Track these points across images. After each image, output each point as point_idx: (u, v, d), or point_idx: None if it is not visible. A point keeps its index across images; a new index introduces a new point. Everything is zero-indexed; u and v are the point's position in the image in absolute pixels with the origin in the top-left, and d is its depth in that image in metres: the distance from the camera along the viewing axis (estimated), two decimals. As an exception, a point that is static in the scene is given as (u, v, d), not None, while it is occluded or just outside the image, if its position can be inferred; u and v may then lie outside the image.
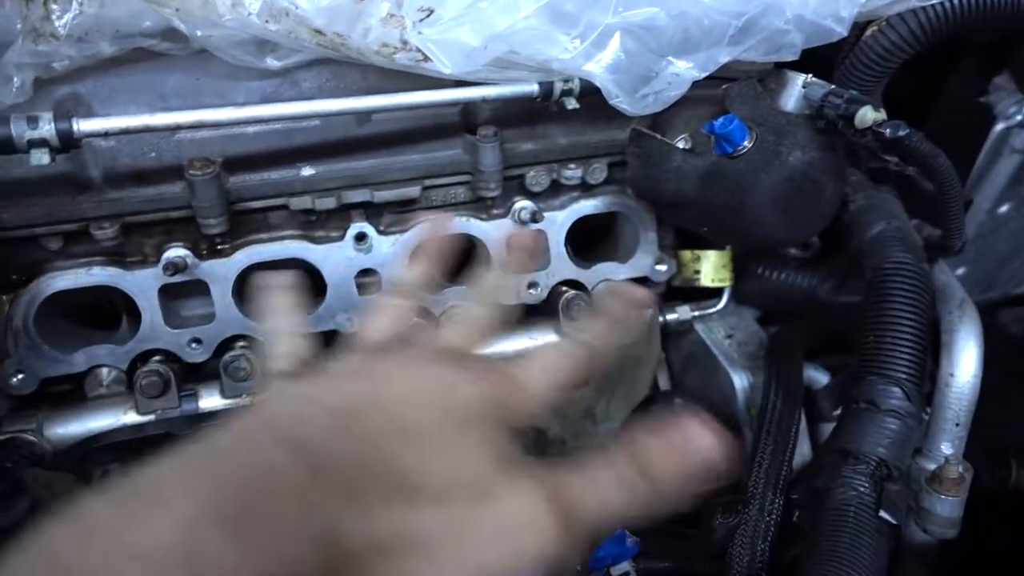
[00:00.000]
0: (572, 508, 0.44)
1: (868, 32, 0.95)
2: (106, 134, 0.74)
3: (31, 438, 0.91)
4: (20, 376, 0.92)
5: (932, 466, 0.89)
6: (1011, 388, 1.16)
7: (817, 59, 0.96)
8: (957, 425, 0.90)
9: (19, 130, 0.70)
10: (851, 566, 0.76)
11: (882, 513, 0.83)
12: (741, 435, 1.15)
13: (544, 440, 1.04)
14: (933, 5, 0.89)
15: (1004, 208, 1.17)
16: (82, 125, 0.72)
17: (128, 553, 0.32)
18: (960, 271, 1.28)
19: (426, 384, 0.47)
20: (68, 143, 0.72)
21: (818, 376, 1.23)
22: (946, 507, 0.86)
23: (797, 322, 1.22)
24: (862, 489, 0.83)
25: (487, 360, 0.51)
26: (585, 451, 1.12)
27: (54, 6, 0.73)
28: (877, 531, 0.81)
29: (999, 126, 1.02)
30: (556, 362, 0.52)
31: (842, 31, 0.89)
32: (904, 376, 0.88)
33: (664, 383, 1.30)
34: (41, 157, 0.71)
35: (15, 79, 0.75)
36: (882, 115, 0.81)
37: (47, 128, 0.70)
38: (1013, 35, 0.97)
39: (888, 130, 0.79)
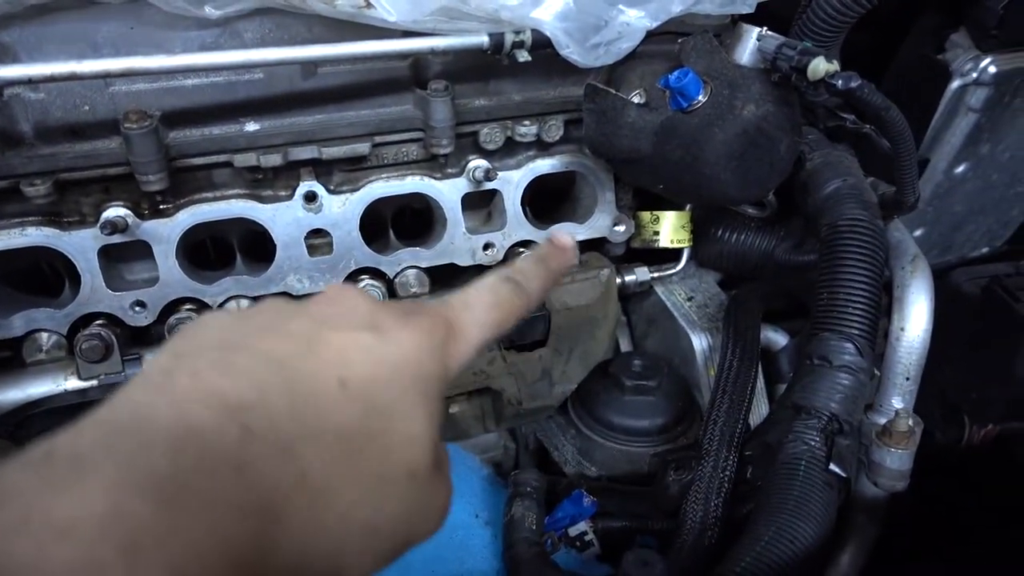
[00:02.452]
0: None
1: (825, -14, 0.93)
2: (30, 81, 0.71)
3: (-34, 405, 0.88)
4: (-46, 342, 0.89)
5: (883, 420, 0.89)
6: (964, 347, 1.17)
7: (774, 16, 0.95)
8: (907, 379, 0.90)
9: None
10: (800, 517, 0.76)
11: (833, 467, 0.83)
12: (700, 396, 1.15)
13: (500, 401, 1.03)
14: (889, -43, 0.89)
15: (960, 168, 1.17)
16: (3, 71, 0.69)
17: (52, 525, 0.28)
18: (918, 232, 1.29)
19: (361, 331, 0.42)
20: (-11, 91, 0.69)
21: (777, 338, 1.24)
22: (895, 460, 0.87)
23: (756, 284, 1.23)
24: (813, 443, 0.83)
25: (421, 304, 0.48)
26: (542, 412, 1.11)
27: (-30, -55, 0.69)
28: (827, 484, 0.81)
29: (955, 83, 1.02)
30: (486, 301, 0.49)
31: (798, -19, 0.88)
32: (856, 332, 0.88)
33: (625, 345, 1.30)
34: (-42, 104, 0.67)
35: (-68, 24, 0.71)
36: (835, 66, 0.79)
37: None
38: (969, -9, 0.96)
39: (840, 81, 0.78)
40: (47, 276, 1.00)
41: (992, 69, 1.01)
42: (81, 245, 0.89)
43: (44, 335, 0.93)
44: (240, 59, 0.79)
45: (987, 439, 1.15)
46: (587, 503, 1.00)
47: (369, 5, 0.76)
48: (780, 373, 1.20)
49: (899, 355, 0.90)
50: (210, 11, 0.81)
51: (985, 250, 1.42)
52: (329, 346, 0.40)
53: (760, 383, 1.15)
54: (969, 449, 1.19)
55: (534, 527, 0.93)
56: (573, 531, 1.00)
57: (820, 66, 0.79)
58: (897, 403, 0.90)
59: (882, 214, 0.98)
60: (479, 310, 0.48)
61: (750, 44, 0.89)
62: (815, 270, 0.97)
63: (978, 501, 1.15)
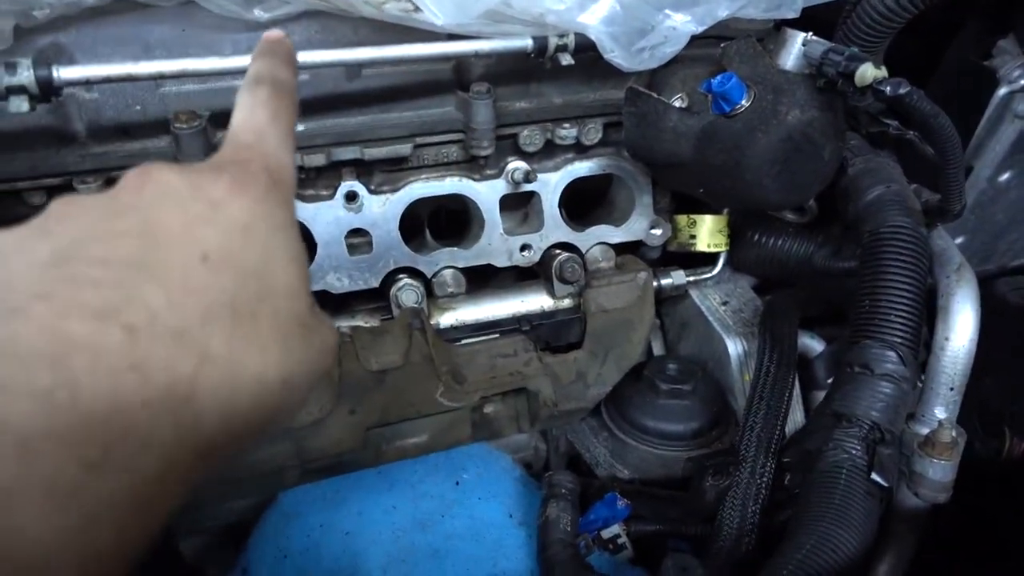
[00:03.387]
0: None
1: (870, -8, 0.92)
2: (87, 82, 0.72)
3: None
4: (6, 334, 0.91)
5: (925, 430, 0.88)
6: (1006, 357, 1.15)
7: (817, 21, 0.94)
8: (951, 390, 0.89)
9: (-2, 76, 0.68)
10: (841, 526, 0.76)
11: (874, 476, 0.82)
12: (734, 400, 1.15)
13: (536, 402, 1.03)
14: (938, -37, 0.87)
15: (1005, 176, 1.15)
16: (63, 72, 0.70)
17: None
18: (959, 240, 1.27)
19: (193, 205, 0.40)
20: (48, 91, 0.70)
21: (813, 344, 1.23)
22: (938, 471, 0.86)
23: (793, 290, 1.22)
24: (854, 452, 0.83)
25: (223, 158, 0.44)
26: (576, 414, 1.11)
27: (33, -51, 0.71)
28: (868, 493, 0.81)
29: (1002, 90, 1.00)
30: (267, 117, 0.47)
31: (844, -12, 0.87)
32: (899, 340, 0.87)
33: (658, 348, 1.29)
34: (20, 104, 0.69)
35: (-6, 26, 0.73)
36: (883, 72, 0.79)
37: (26, 75, 0.68)
38: (1018, -4, 0.95)
39: (889, 88, 0.77)
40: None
41: (1041, 75, 0.99)
42: (129, 242, 0.91)
43: (92, 329, 0.95)
44: (288, 61, 0.80)
45: (1028, 451, 1.13)
46: (620, 506, 1.00)
47: (416, 8, 0.76)
48: (816, 380, 1.19)
49: (943, 365, 0.89)
50: (259, 14, 0.82)
51: (1025, 260, 1.39)
52: (171, 231, 0.38)
53: (796, 390, 1.15)
54: (1009, 461, 1.17)
55: (569, 529, 0.93)
56: (606, 533, 1.00)
57: (868, 72, 0.79)
58: (940, 413, 0.89)
59: (925, 222, 0.96)
60: (269, 131, 0.47)
61: (795, 49, 0.89)
62: (854, 277, 0.96)
63: (1018, 514, 1.13)
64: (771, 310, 1.14)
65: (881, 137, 1.08)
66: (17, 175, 0.83)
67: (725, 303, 1.23)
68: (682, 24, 0.79)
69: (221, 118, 0.87)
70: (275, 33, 0.56)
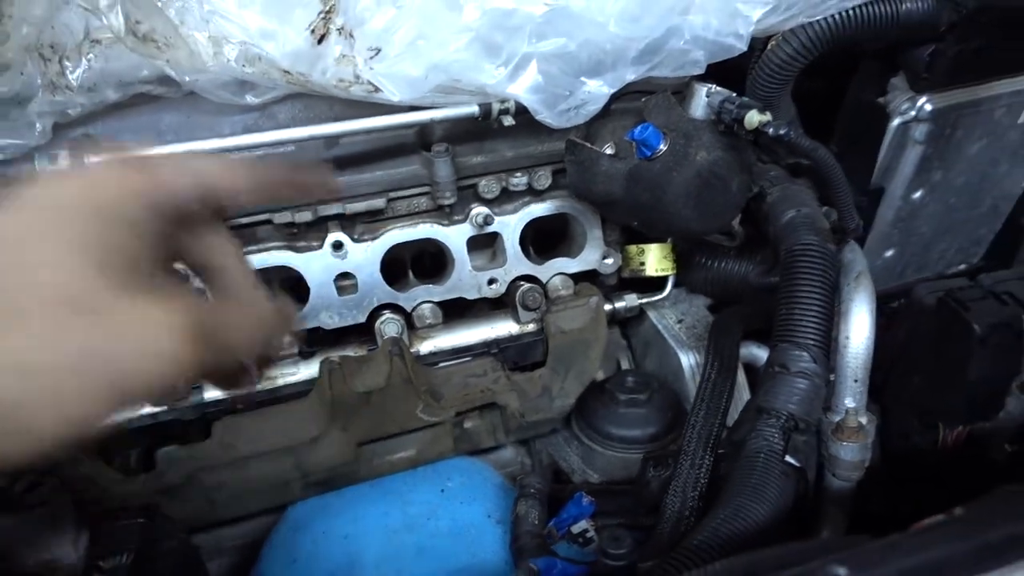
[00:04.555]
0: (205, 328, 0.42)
1: (769, 46, 1.09)
2: (114, 166, 0.90)
3: (61, 429, 1.06)
4: (50, 377, 1.07)
5: (837, 418, 1.01)
6: (928, 355, 1.28)
7: (735, 70, 1.10)
8: (856, 381, 1.02)
9: (41, 166, 0.86)
10: (755, 500, 0.88)
11: (789, 459, 0.95)
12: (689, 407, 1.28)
13: (504, 414, 1.17)
14: (819, 21, 1.03)
15: (918, 194, 1.29)
16: (90, 159, 0.88)
17: None
18: (889, 253, 1.41)
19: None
20: (83, 175, 0.88)
21: (761, 354, 1.36)
22: (848, 452, 0.98)
23: (738, 307, 1.36)
24: (772, 439, 0.96)
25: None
26: (545, 424, 1.25)
27: (67, 63, 0.89)
28: (783, 473, 0.93)
29: (895, 121, 1.15)
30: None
31: (742, 47, 1.03)
32: (811, 342, 1.01)
33: (626, 365, 1.44)
34: (62, 187, 0.86)
35: (37, 125, 0.91)
36: (767, 117, 0.94)
37: (63, 164, 0.86)
38: (899, 42, 1.10)
39: (771, 129, 0.93)
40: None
41: (928, 107, 1.14)
42: (151, 294, 1.07)
43: (121, 370, 1.12)
44: (276, 138, 0.98)
45: (959, 440, 1.25)
46: (586, 503, 1.13)
47: (376, 89, 0.93)
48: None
49: (847, 360, 1.02)
50: (250, 99, 1.00)
51: (963, 267, 1.53)
52: None
53: (746, 394, 1.28)
54: (945, 450, 1.28)
55: (536, 522, 1.07)
56: (576, 529, 1.12)
57: (754, 117, 0.94)
58: (849, 403, 1.02)
59: (835, 239, 1.11)
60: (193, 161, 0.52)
61: (701, 100, 1.05)
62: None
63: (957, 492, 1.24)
64: (716, 325, 1.28)
65: (799, 167, 1.23)
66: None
67: (680, 321, 1.38)
68: (597, 88, 0.95)
69: (223, 186, 1.04)
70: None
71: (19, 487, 0.96)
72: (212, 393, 1.14)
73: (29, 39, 0.86)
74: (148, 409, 1.10)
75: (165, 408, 1.10)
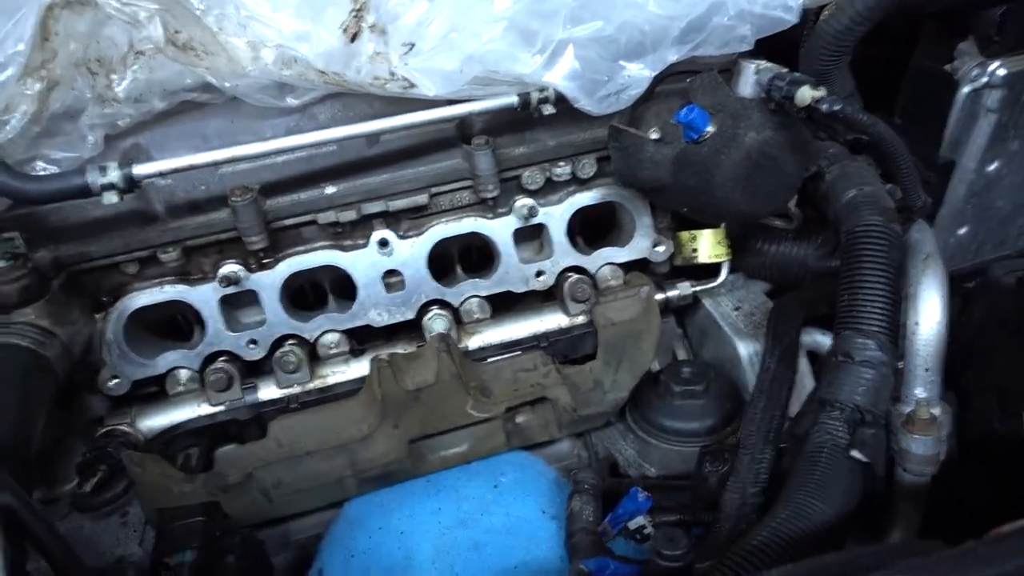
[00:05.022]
0: None
1: (822, 17, 1.03)
2: (160, 174, 0.92)
3: (127, 429, 1.10)
4: (115, 380, 1.12)
5: (908, 410, 0.95)
6: (1012, 338, 1.19)
7: (791, 44, 1.05)
8: (927, 370, 0.96)
9: (93, 177, 0.88)
10: (818, 498, 0.84)
11: (855, 453, 0.90)
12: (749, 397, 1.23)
13: (556, 408, 1.15)
14: (877, -15, 0.97)
15: (993, 166, 1.20)
16: (139, 169, 0.90)
17: None
18: (963, 230, 1.32)
19: None
20: (131, 184, 0.90)
21: (824, 340, 1.30)
22: (920, 446, 0.92)
23: (798, 292, 1.30)
24: (836, 432, 0.91)
25: None
26: (598, 418, 1.22)
27: (114, 76, 0.91)
28: (849, 469, 0.89)
29: (965, 89, 1.07)
30: None
31: (792, 19, 0.98)
32: (876, 329, 0.95)
33: (682, 355, 1.39)
34: (111, 197, 0.89)
35: (89, 137, 0.93)
36: (820, 92, 0.89)
37: (114, 174, 0.88)
38: (966, 4, 1.02)
39: (825, 105, 0.88)
40: (180, 324, 1.23)
41: (1002, 72, 1.05)
42: (205, 296, 1.10)
43: (182, 371, 1.15)
44: (318, 138, 0.98)
45: (1044, 426, 1.16)
46: (642, 499, 1.10)
47: (412, 85, 0.92)
48: (827, 373, 1.26)
49: (916, 348, 0.96)
50: (291, 101, 1.01)
51: (1047, 240, 1.42)
52: None
53: (810, 383, 1.22)
54: (1027, 438, 1.20)
55: (591, 519, 1.05)
56: (632, 525, 1.10)
57: (806, 93, 0.89)
58: (920, 393, 0.96)
59: (901, 218, 1.04)
60: None
61: (750, 78, 1.00)
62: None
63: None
64: (776, 312, 1.23)
65: (859, 144, 1.16)
66: (115, 251, 1.04)
67: (737, 308, 1.33)
68: (637, 72, 0.92)
69: (268, 188, 1.06)
70: None
71: (88, 487, 1.00)
72: (266, 393, 1.16)
73: (76, 55, 0.89)
74: (206, 410, 1.13)
75: (223, 408, 1.13)
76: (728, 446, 1.02)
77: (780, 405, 1.07)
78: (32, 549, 0.79)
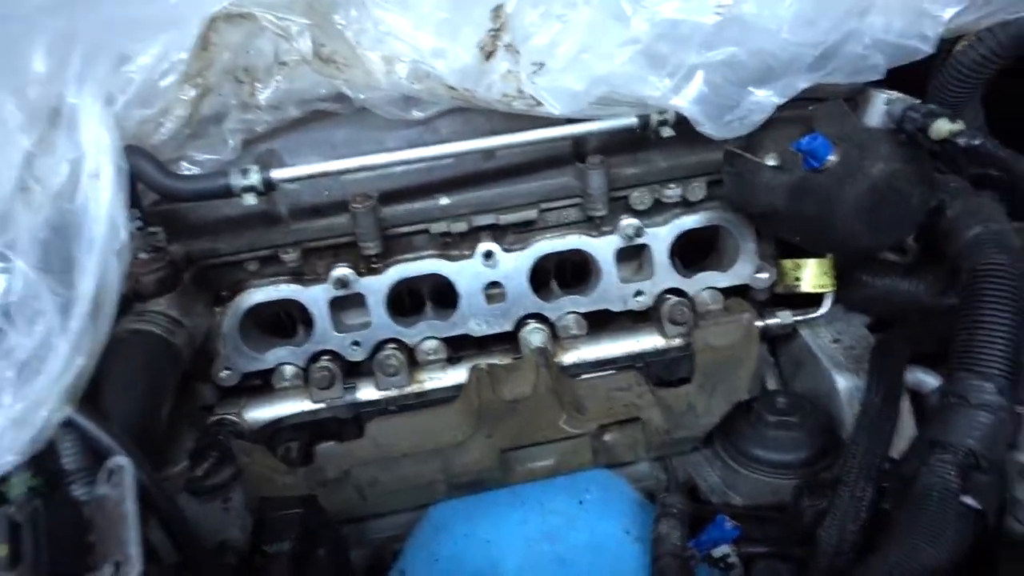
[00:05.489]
0: None
1: (958, 47, 1.00)
2: (295, 179, 0.96)
3: (235, 419, 1.16)
4: (227, 371, 1.17)
5: (1026, 459, 0.92)
6: None
7: (916, 74, 1.02)
8: (1052, 419, 0.92)
9: (235, 180, 0.93)
10: (928, 542, 0.82)
11: (967, 499, 0.87)
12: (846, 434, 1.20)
13: (647, 429, 1.15)
14: (1019, 18, 0.94)
15: (1125, 209, 1.15)
16: (277, 173, 0.95)
17: None
18: (1084, 274, 1.26)
19: None
20: (268, 187, 0.95)
21: (928, 379, 1.26)
22: (1040, 498, 0.89)
23: (904, 328, 1.26)
24: (947, 476, 0.88)
25: None
26: (687, 442, 1.22)
27: (258, 84, 0.96)
28: (960, 515, 0.86)
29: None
30: None
31: (928, 49, 0.96)
32: (996, 372, 0.92)
33: (772, 384, 1.37)
34: (250, 199, 0.94)
35: (230, 141, 0.99)
36: (958, 126, 0.87)
37: (255, 177, 0.93)
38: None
39: (963, 139, 0.86)
40: (283, 322, 1.27)
41: None
42: (316, 297, 1.14)
43: (287, 367, 1.20)
44: (437, 152, 1.01)
45: None
46: (729, 527, 1.09)
47: (538, 103, 0.94)
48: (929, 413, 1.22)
49: (1040, 395, 0.92)
50: (416, 114, 1.04)
51: None
52: None
53: (911, 423, 1.19)
54: None
55: (678, 543, 1.04)
56: (717, 553, 1.09)
57: (943, 127, 0.88)
58: (1041, 442, 0.92)
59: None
60: None
61: (879, 107, 0.99)
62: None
63: None
64: (881, 347, 1.20)
65: (984, 178, 1.13)
66: (240, 249, 1.09)
67: (836, 340, 1.30)
68: (765, 98, 0.91)
69: (385, 197, 1.09)
70: None
71: (200, 472, 1.05)
72: (365, 393, 1.19)
73: (228, 64, 0.94)
74: (309, 406, 1.17)
75: (324, 405, 1.17)
76: (827, 481, 1.00)
77: (883, 443, 1.05)
78: (155, 523, 0.83)
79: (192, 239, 1.07)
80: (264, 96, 0.96)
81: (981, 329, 0.94)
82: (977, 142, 0.85)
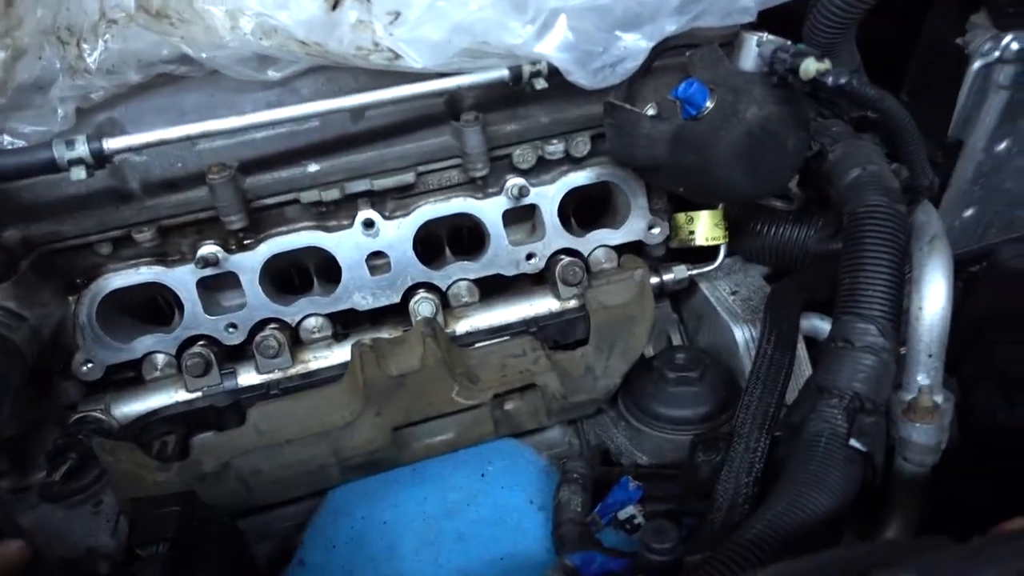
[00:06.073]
0: None
1: (827, -14, 0.98)
2: (130, 149, 0.88)
3: (100, 416, 1.07)
4: (89, 365, 1.08)
5: (909, 397, 0.92)
6: (1017, 324, 1.16)
7: (795, 16, 1.00)
8: (930, 356, 0.92)
9: (59, 152, 0.84)
10: (815, 488, 0.81)
11: (854, 442, 0.87)
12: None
13: (545, 395, 1.12)
14: (887, -47, 0.92)
15: (1002, 145, 1.16)
16: (110, 143, 0.86)
17: None
18: (969, 212, 1.28)
19: None
20: (101, 159, 0.86)
21: (824, 326, 1.26)
22: (921, 435, 0.89)
23: (797, 275, 1.26)
24: (834, 420, 0.87)
25: None
26: (589, 405, 1.19)
27: (85, 46, 0.87)
28: (848, 459, 0.85)
29: (976, 64, 1.03)
30: None
31: (796, -12, 0.93)
32: (878, 314, 0.91)
33: (677, 341, 1.36)
34: (79, 173, 0.85)
35: (59, 110, 0.89)
36: (825, 65, 0.85)
37: (82, 148, 0.84)
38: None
39: (831, 79, 0.83)
40: (162, 308, 1.19)
41: (1015, 46, 1.01)
42: (182, 278, 1.06)
43: (159, 356, 1.11)
44: (299, 112, 0.94)
45: (1051, 416, 1.13)
46: (633, 488, 1.07)
47: (397, 56, 0.88)
48: (826, 360, 1.22)
49: (920, 333, 0.93)
50: (272, 74, 0.96)
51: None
52: None
53: (808, 370, 1.19)
54: (1032, 427, 1.17)
55: (579, 509, 1.01)
56: (622, 515, 1.07)
57: (811, 66, 0.85)
58: (922, 380, 0.93)
59: (906, 198, 1.00)
60: None
61: (751, 50, 0.96)
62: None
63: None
64: (774, 296, 1.19)
65: (865, 121, 1.12)
66: (88, 230, 1.00)
67: (734, 292, 1.29)
68: (633, 42, 0.87)
69: (247, 166, 1.02)
70: None
71: (57, 476, 0.96)
72: (245, 378, 1.12)
73: (44, 22, 0.84)
74: (183, 396, 1.09)
75: (200, 394, 1.09)
76: (722, 434, 0.99)
77: (776, 392, 1.04)
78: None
79: (29, 222, 0.97)
80: (93, 58, 0.87)
81: (862, 272, 0.93)
82: (843, 80, 0.83)
